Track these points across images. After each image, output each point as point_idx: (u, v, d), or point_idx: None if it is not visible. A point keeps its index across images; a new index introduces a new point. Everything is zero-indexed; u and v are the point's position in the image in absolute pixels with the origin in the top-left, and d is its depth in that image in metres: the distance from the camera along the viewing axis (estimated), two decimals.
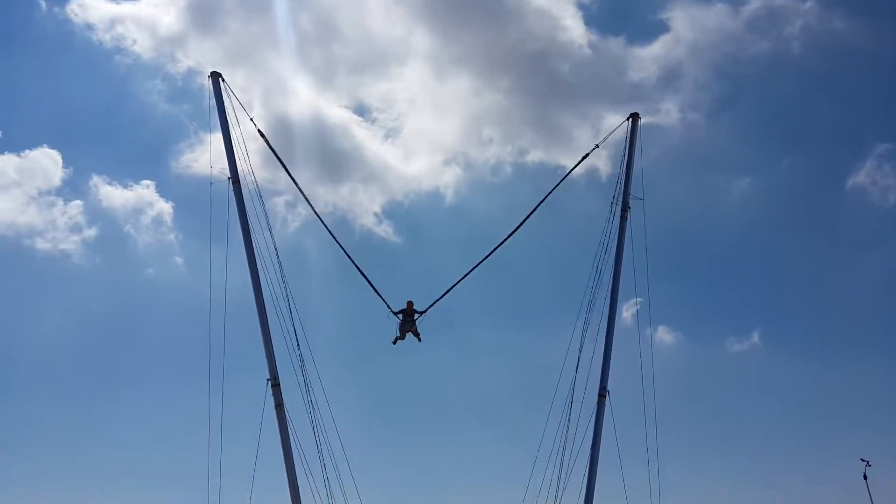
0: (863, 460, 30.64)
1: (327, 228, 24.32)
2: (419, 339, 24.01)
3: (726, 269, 64.14)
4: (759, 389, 56.96)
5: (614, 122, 26.26)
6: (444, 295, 23.98)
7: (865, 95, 66.13)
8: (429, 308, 23.93)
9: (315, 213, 25.10)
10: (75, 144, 67.00)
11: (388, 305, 23.64)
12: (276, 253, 22.35)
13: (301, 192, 24.67)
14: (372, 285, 23.59)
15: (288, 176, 24.34)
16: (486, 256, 24.39)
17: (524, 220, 24.60)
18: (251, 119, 23.81)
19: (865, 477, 30.55)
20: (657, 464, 22.18)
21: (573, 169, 26.52)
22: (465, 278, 24.06)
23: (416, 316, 23.80)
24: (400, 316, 23.81)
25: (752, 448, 51.57)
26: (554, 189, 25.38)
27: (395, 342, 23.98)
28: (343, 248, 23.73)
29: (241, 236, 22.42)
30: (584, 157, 25.46)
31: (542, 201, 24.90)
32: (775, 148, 67.54)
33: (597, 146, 25.38)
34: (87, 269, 60.74)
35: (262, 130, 23.82)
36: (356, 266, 23.63)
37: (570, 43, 64.04)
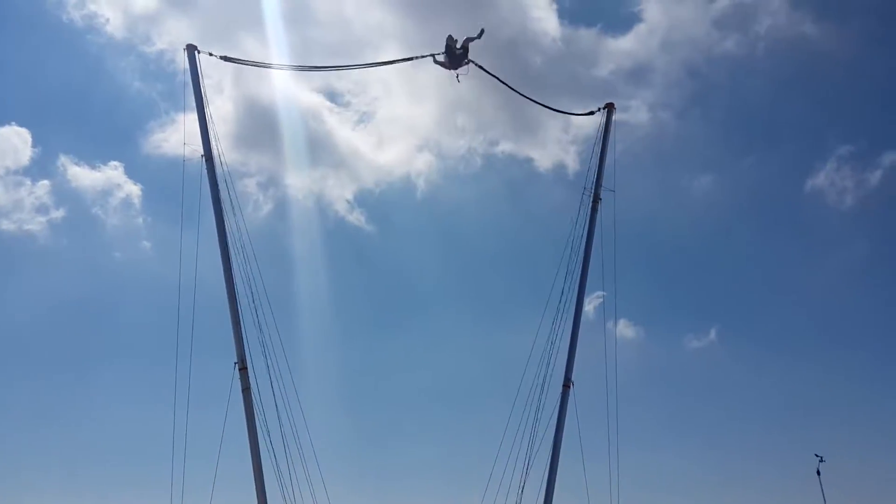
0: (816, 456, 31.25)
1: None
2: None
3: (686, 266, 65.34)
4: (716, 386, 58.22)
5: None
6: None
7: (830, 97, 67.45)
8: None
9: None
10: (45, 123, 65.80)
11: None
12: (247, 233, 22.20)
13: None
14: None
15: None
16: None
17: None
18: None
19: (819, 472, 31.16)
20: (617, 453, 22.63)
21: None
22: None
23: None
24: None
25: (708, 443, 52.90)
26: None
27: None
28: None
29: (213, 217, 22.07)
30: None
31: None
32: (739, 147, 68.73)
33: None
34: (53, 251, 59.90)
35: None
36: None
37: (542, 34, 64.23)
